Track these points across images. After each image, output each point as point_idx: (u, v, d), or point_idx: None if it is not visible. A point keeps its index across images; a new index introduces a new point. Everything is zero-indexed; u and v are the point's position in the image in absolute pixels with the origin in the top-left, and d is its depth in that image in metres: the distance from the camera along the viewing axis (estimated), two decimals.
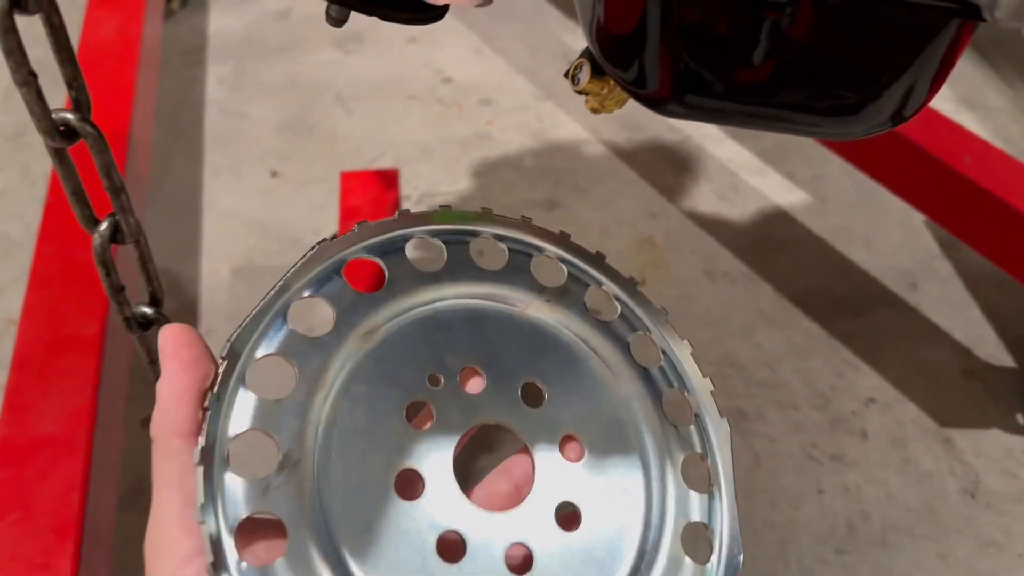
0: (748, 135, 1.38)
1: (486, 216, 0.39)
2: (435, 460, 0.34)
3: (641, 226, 1.28)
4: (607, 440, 0.37)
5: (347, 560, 0.31)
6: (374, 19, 0.45)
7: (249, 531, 0.32)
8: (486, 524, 0.34)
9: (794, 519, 0.98)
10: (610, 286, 0.41)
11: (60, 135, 0.35)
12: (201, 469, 0.31)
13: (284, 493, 0.31)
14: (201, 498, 0.30)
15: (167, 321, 0.43)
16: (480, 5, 0.41)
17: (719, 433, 0.39)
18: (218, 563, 0.30)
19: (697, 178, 1.33)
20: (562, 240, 0.40)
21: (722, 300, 1.18)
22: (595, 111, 0.54)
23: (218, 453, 0.31)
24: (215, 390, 0.32)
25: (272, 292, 0.34)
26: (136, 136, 1.09)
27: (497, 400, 0.36)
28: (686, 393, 0.40)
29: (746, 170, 1.33)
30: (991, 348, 1.13)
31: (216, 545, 0.30)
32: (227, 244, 1.22)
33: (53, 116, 0.35)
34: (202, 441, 0.31)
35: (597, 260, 0.41)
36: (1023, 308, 1.16)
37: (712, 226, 1.27)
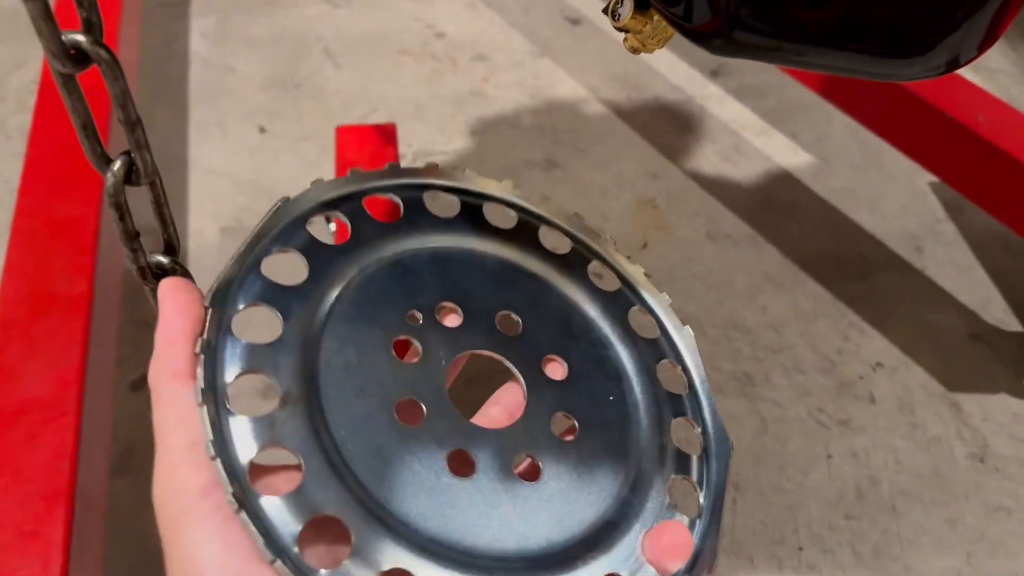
0: (752, 94, 1.35)
1: (431, 170, 0.41)
2: (430, 390, 0.35)
3: (642, 187, 1.25)
4: (585, 357, 0.39)
5: (365, 482, 0.31)
6: None
7: (259, 471, 0.32)
8: (490, 440, 0.35)
9: (803, 485, 0.96)
10: (559, 223, 0.43)
11: (70, 59, 0.32)
12: (204, 409, 0.31)
13: (291, 426, 0.32)
14: (210, 433, 0.30)
15: (184, 271, 0.40)
16: None
17: (685, 341, 0.41)
18: (238, 494, 0.29)
19: (700, 138, 1.30)
20: (505, 189, 0.42)
21: (726, 263, 1.16)
22: (634, 51, 0.50)
23: (217, 393, 0.31)
24: (205, 336, 0.32)
25: (243, 247, 0.35)
26: None
27: (477, 331, 0.37)
28: (648, 312, 0.42)
29: (749, 131, 1.30)
30: (998, 311, 1.11)
31: (233, 476, 0.30)
32: (215, 202, 1.17)
33: (63, 38, 0.31)
34: (201, 383, 0.31)
35: (542, 203, 0.43)
36: None
37: (715, 187, 1.24)
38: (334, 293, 0.36)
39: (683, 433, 0.38)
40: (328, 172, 1.17)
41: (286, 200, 0.37)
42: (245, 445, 0.31)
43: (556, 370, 0.38)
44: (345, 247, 0.37)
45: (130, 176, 0.36)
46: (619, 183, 1.25)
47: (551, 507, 0.34)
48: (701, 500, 0.37)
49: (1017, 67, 1.44)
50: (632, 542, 0.34)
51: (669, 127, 1.32)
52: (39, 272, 0.84)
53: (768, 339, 1.08)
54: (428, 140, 1.29)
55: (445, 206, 0.41)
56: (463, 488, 0.33)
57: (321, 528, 0.31)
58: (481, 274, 0.39)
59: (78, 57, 0.32)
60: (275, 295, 0.34)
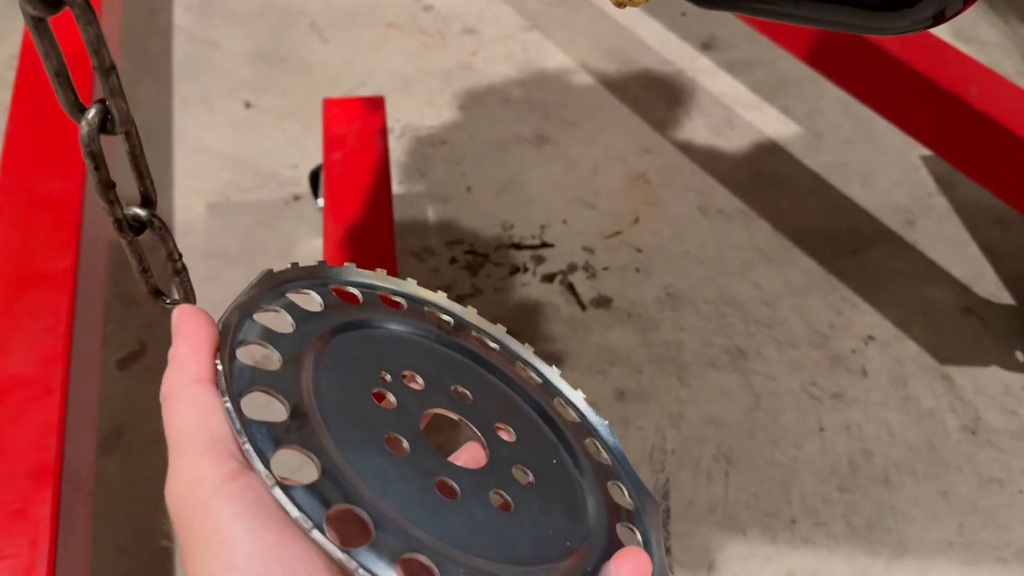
0: (743, 67, 1.34)
1: (381, 276, 0.46)
2: (409, 431, 0.38)
3: (633, 162, 1.23)
4: (526, 428, 0.43)
5: (372, 490, 0.34)
6: None
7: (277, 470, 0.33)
8: (468, 476, 0.38)
9: (796, 458, 0.96)
10: (485, 330, 0.48)
11: (41, 1, 0.30)
12: (229, 403, 0.32)
13: (304, 433, 0.34)
14: (238, 424, 0.32)
15: (162, 224, 0.39)
16: None
17: (603, 426, 0.47)
18: (268, 471, 0.31)
19: (691, 112, 1.29)
20: (441, 299, 0.48)
21: (718, 238, 1.15)
22: (620, 5, 0.49)
23: (234, 402, 0.33)
24: (222, 352, 0.35)
25: (240, 298, 0.38)
26: None
27: (438, 396, 0.41)
28: (567, 404, 0.47)
29: (741, 104, 1.29)
30: (989, 285, 1.11)
31: (264, 460, 0.31)
32: (200, 178, 1.15)
33: None
34: (223, 385, 0.33)
35: (466, 317, 0.48)
36: (1021, 244, 1.14)
37: (707, 162, 1.23)
38: (319, 345, 0.39)
39: (616, 495, 0.44)
40: (314, 146, 1.15)
41: (269, 272, 0.41)
42: (265, 444, 0.33)
43: (505, 435, 0.43)
44: (321, 314, 0.41)
45: (105, 124, 0.35)
46: (610, 158, 1.24)
47: (528, 534, 0.38)
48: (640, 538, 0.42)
49: (1009, 39, 1.43)
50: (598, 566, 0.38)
51: (660, 101, 1.31)
52: (23, 249, 0.82)
53: (760, 314, 1.08)
54: (416, 115, 1.28)
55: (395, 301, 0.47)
56: (453, 507, 0.36)
57: (334, 525, 0.33)
58: (432, 356, 0.44)
59: None
60: (270, 337, 0.37)
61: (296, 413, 0.34)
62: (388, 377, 0.40)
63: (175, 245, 0.41)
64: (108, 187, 0.37)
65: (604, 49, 1.37)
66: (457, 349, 0.46)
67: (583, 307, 1.07)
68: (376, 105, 0.99)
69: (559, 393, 0.48)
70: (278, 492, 0.30)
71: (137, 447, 0.93)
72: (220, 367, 0.34)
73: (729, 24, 1.40)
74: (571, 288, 1.09)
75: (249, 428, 0.32)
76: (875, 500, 0.93)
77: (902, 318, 1.08)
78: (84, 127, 0.35)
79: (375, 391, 0.39)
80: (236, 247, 1.09)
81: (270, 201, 1.14)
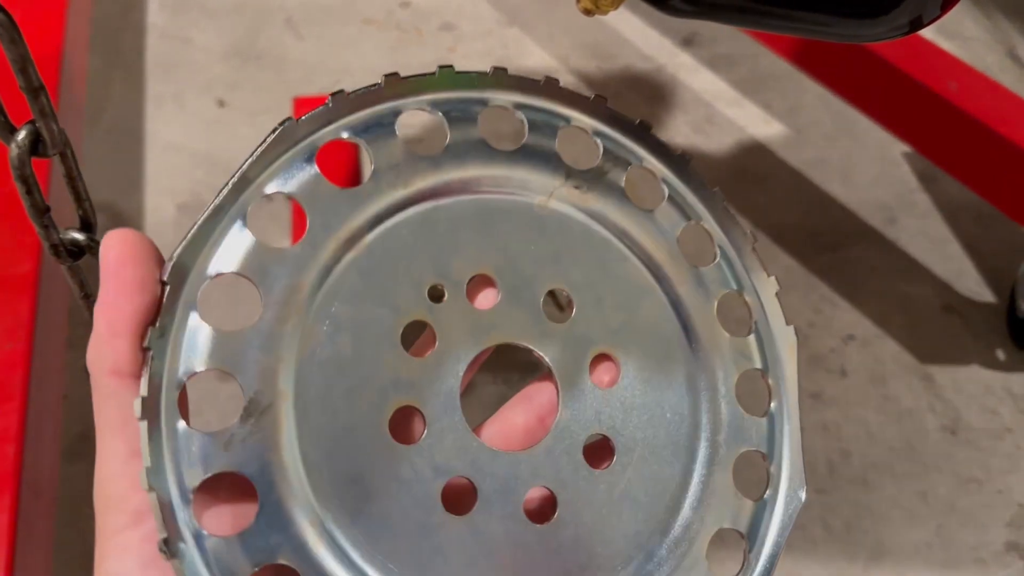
0: (724, 63, 1.33)
1: (499, 79, 0.32)
2: (438, 393, 0.28)
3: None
4: (647, 357, 0.31)
5: (335, 521, 0.26)
6: None
7: (210, 491, 0.27)
8: (500, 466, 0.28)
9: None
10: (655, 164, 0.33)
11: None
12: (144, 425, 0.25)
13: (252, 447, 0.26)
14: (147, 460, 0.25)
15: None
16: None
17: (784, 343, 0.34)
18: (171, 539, 0.25)
19: (671, 109, 1.28)
20: (596, 107, 0.33)
21: None
22: (588, 12, 0.48)
23: (165, 402, 0.26)
24: (157, 324, 0.27)
25: (226, 189, 0.28)
26: (69, 61, 1.00)
27: (514, 315, 0.30)
28: (745, 295, 0.34)
29: (722, 101, 1.28)
30: (970, 283, 1.10)
31: (168, 515, 0.25)
32: (172, 178, 1.14)
33: None
34: (144, 390, 0.26)
35: (640, 131, 0.34)
36: (1002, 242, 1.13)
37: None
38: (338, 256, 0.28)
39: (747, 470, 0.32)
40: None
41: (291, 122, 0.28)
42: (193, 469, 0.25)
43: (607, 371, 0.31)
44: (363, 190, 0.29)
45: (36, 147, 0.34)
46: None
47: (557, 561, 0.28)
48: (748, 557, 0.31)
49: (991, 35, 1.42)
50: None
51: (640, 98, 1.30)
52: None
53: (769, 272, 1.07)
54: None
55: (507, 132, 0.32)
56: (456, 528, 0.27)
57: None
58: (537, 234, 0.31)
59: None
60: (260, 260, 0.27)
61: (253, 407, 0.26)
62: (445, 291, 0.29)
63: None
64: (42, 211, 0.35)
65: (584, 45, 1.36)
66: (597, 208, 0.32)
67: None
68: None
69: (740, 284, 0.33)
70: (176, 565, 0.24)
71: None
72: (151, 352, 0.26)
73: None
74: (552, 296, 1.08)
75: (160, 463, 0.25)
76: (854, 501, 0.92)
77: (882, 316, 1.07)
78: (14, 150, 0.34)
79: (413, 319, 0.29)
80: None
81: None
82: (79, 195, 0.37)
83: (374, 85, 0.30)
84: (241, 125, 1.21)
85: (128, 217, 1.08)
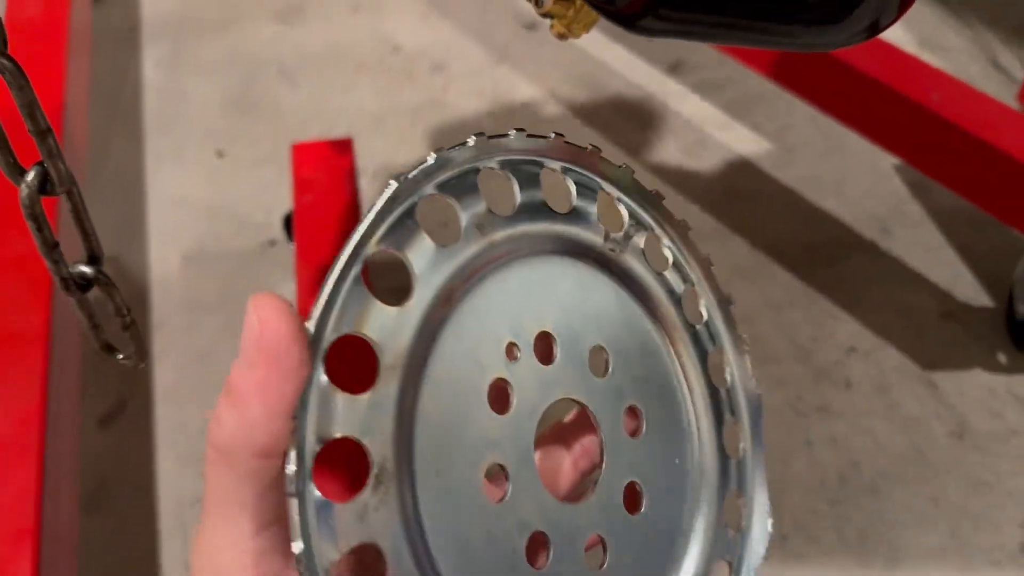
0: (712, 88, 1.35)
1: (553, 144, 0.33)
2: (517, 449, 0.30)
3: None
4: (661, 408, 0.34)
5: None
6: None
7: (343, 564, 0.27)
8: (566, 517, 0.30)
9: (784, 475, 0.96)
10: (664, 231, 0.36)
11: None
12: (296, 504, 0.25)
13: (382, 517, 0.26)
14: (299, 542, 0.25)
15: (108, 280, 0.39)
16: None
17: (750, 398, 0.37)
18: None
19: (662, 135, 1.30)
20: (622, 174, 0.36)
21: None
22: (561, 36, 0.50)
23: (306, 473, 0.26)
24: (304, 392, 0.26)
25: (348, 248, 0.28)
26: (70, 122, 1.03)
27: (569, 371, 0.32)
28: (724, 353, 0.37)
29: (711, 124, 1.30)
30: (968, 288, 1.12)
31: None
32: (175, 230, 1.16)
33: None
34: (292, 465, 0.25)
35: (655, 201, 0.37)
36: (997, 246, 1.15)
37: (681, 182, 1.24)
38: (438, 318, 0.29)
39: (732, 507, 0.35)
40: (288, 191, 1.15)
41: (401, 179, 0.29)
42: (329, 544, 0.25)
43: (632, 420, 0.34)
44: (456, 248, 0.30)
45: (45, 186, 0.35)
46: None
47: None
48: None
49: (973, 44, 1.45)
50: None
51: (631, 125, 1.32)
52: None
53: (742, 331, 1.08)
54: (388, 153, 1.28)
55: (560, 194, 0.34)
56: None
57: None
58: (584, 294, 0.33)
59: None
60: (377, 321, 0.27)
61: (382, 475, 0.27)
62: (518, 350, 0.31)
63: (123, 300, 0.41)
64: (52, 247, 0.37)
65: (573, 77, 1.38)
66: (622, 266, 0.34)
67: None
68: (344, 147, 0.99)
69: (714, 326, 0.37)
70: None
71: (120, 504, 0.93)
72: (297, 428, 0.25)
73: (695, 47, 1.41)
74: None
75: (308, 543, 0.24)
76: (866, 510, 0.93)
77: (883, 326, 1.08)
78: (24, 190, 0.35)
79: (496, 378, 0.30)
80: (214, 296, 1.09)
81: (246, 248, 1.14)
82: (85, 231, 0.39)
83: (463, 144, 0.31)
84: (242, 175, 1.23)
85: (133, 270, 1.10)
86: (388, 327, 0.28)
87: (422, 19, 1.50)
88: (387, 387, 0.27)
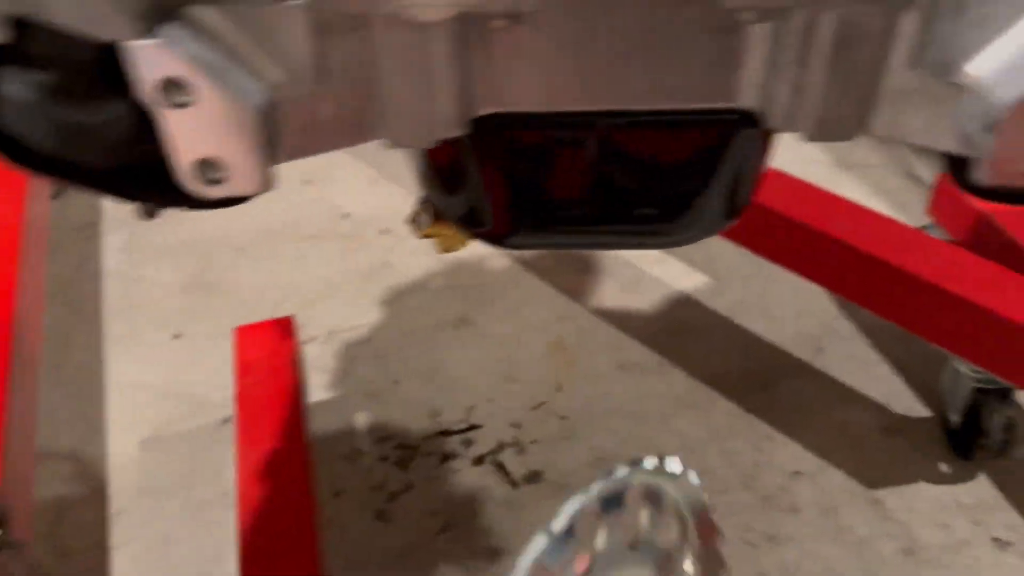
0: None
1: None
2: None
3: (551, 330, 1.28)
4: None
5: None
6: None
7: None
8: None
9: None
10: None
11: None
12: None
13: None
14: None
15: (13, 543, 0.42)
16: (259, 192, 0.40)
17: None
18: None
19: (600, 275, 1.35)
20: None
21: (638, 391, 1.19)
22: (447, 251, 0.55)
23: None
24: None
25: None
26: (24, 321, 1.07)
27: None
28: None
29: (646, 261, 1.36)
30: (905, 400, 1.14)
31: None
32: (133, 416, 1.19)
33: None
34: None
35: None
36: (929, 356, 1.18)
37: (620, 320, 1.28)
38: None
39: None
40: None
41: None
42: None
43: None
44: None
45: None
46: (528, 329, 1.29)
47: None
48: None
49: (890, 159, 1.52)
50: None
51: (570, 269, 1.37)
52: None
53: (687, 463, 1.10)
54: (341, 317, 1.33)
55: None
56: None
57: None
58: None
59: None
60: None
61: None
62: None
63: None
64: None
65: None
66: None
67: (515, 485, 1.09)
68: (286, 328, 1.04)
69: None
70: None
71: None
72: None
73: None
74: (502, 468, 1.11)
75: None
76: None
77: (824, 447, 1.10)
78: None
79: None
80: (172, 480, 1.12)
81: (203, 427, 1.18)
82: None
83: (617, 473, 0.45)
84: (199, 354, 1.28)
85: (93, 461, 1.12)
86: None
87: (370, 183, 1.58)
88: None
